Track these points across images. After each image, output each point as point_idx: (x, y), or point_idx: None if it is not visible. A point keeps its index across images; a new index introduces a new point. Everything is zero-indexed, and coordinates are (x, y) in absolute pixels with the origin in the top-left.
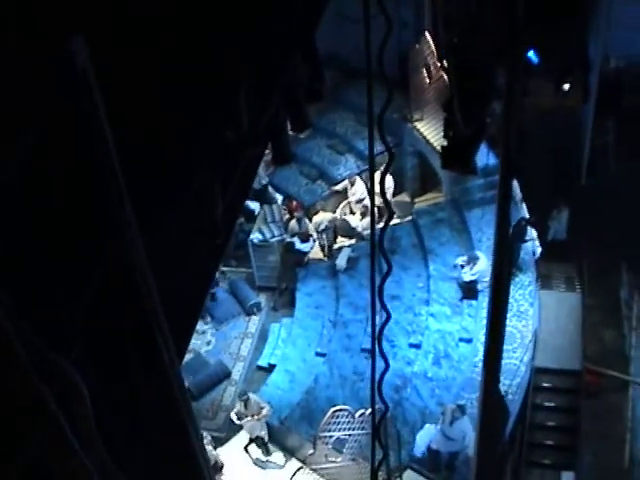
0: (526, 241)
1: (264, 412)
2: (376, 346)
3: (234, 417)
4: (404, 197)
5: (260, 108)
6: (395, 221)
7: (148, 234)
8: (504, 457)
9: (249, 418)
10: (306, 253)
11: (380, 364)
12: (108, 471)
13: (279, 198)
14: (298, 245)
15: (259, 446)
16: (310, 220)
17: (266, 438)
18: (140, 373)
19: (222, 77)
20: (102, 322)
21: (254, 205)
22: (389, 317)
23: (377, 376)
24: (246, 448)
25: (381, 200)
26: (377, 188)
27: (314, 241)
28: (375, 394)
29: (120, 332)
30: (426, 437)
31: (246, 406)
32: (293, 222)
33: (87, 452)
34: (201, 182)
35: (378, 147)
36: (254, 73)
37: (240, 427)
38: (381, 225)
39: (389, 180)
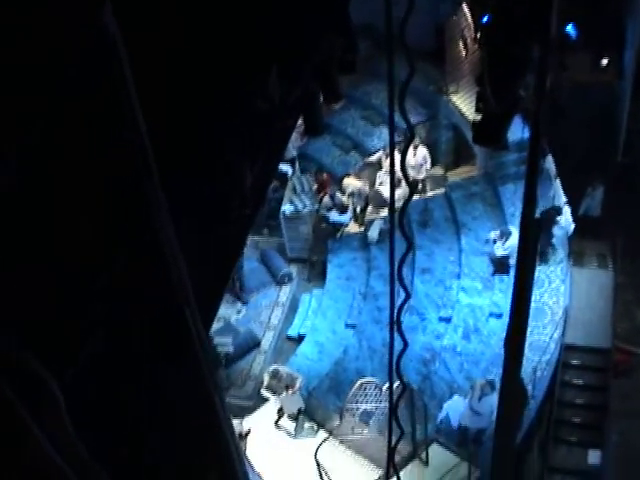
0: (552, 231)
1: (298, 384)
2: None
3: (265, 392)
4: (438, 170)
5: (292, 80)
6: (428, 194)
7: (175, 204)
8: (531, 434)
9: (284, 393)
10: (343, 224)
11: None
12: (86, 470)
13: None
14: (335, 217)
15: (291, 418)
16: (341, 189)
17: (302, 409)
18: (167, 345)
19: (254, 48)
20: (129, 295)
21: (286, 168)
22: (408, 296)
23: (396, 356)
24: (277, 423)
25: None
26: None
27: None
28: (393, 373)
29: (148, 304)
30: (453, 409)
31: (279, 380)
32: (327, 198)
33: (59, 451)
34: (230, 153)
35: (413, 119)
36: (286, 44)
37: (269, 396)
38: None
39: (425, 155)
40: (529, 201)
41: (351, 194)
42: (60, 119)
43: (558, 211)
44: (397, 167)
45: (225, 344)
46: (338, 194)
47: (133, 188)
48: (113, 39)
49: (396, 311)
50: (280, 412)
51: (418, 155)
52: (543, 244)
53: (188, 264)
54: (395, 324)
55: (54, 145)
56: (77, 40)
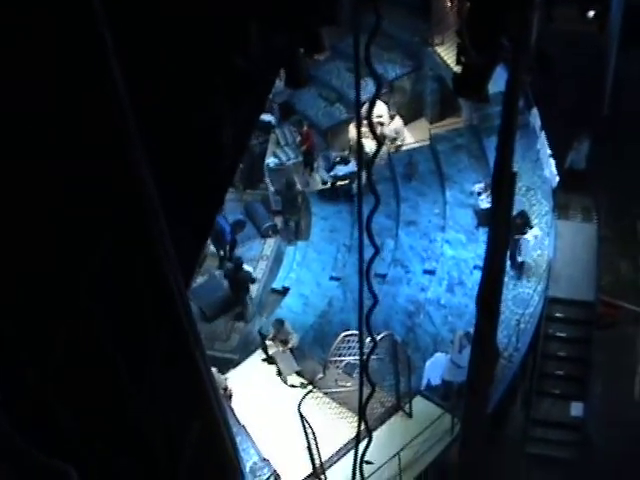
0: (524, 234)
1: (290, 343)
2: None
3: (269, 347)
4: (423, 122)
5: (273, 32)
6: (413, 146)
7: (154, 158)
8: (514, 387)
9: (280, 349)
10: (353, 172)
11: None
12: None
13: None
14: (343, 170)
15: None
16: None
17: (289, 369)
18: (147, 299)
19: (232, 2)
20: (109, 246)
21: (269, 117)
22: (377, 252)
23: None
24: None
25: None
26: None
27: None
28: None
29: (127, 257)
30: (435, 368)
31: (278, 331)
32: (321, 161)
33: None
34: (209, 104)
35: (398, 70)
36: (267, 7)
37: (254, 349)
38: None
39: (399, 127)
40: (504, 153)
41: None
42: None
43: (526, 220)
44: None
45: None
46: (332, 153)
47: (111, 142)
48: None
49: (366, 265)
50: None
51: (392, 126)
52: (513, 249)
53: (167, 216)
54: (365, 279)
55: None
56: None
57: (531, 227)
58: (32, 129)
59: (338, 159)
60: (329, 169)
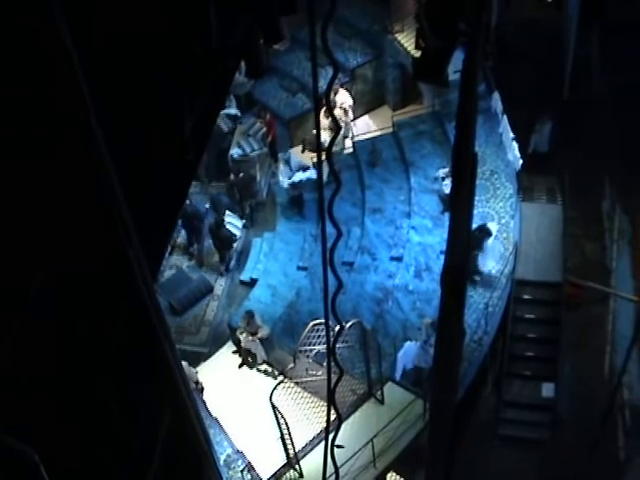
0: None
1: (260, 333)
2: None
3: (240, 337)
4: (385, 109)
5: (231, 21)
6: (376, 133)
7: (116, 150)
8: (484, 369)
9: (244, 335)
10: (312, 179)
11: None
12: None
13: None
14: (303, 176)
15: (249, 365)
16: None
17: (259, 358)
18: (114, 293)
19: None
20: (73, 238)
21: (235, 111)
22: (340, 235)
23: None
24: (240, 366)
25: (340, 117)
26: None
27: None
28: (329, 313)
29: (91, 249)
30: (406, 355)
31: (248, 323)
32: (282, 166)
33: None
34: (169, 97)
35: (359, 59)
36: None
37: (224, 342)
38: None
39: (346, 96)
40: (463, 132)
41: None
42: None
43: (487, 232)
44: (348, 103)
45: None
46: (292, 154)
47: (76, 136)
48: None
49: (329, 251)
50: (244, 355)
51: (337, 98)
52: (473, 265)
53: (132, 209)
54: (328, 264)
55: None
56: None
57: (490, 235)
58: None
59: (298, 169)
60: (289, 177)
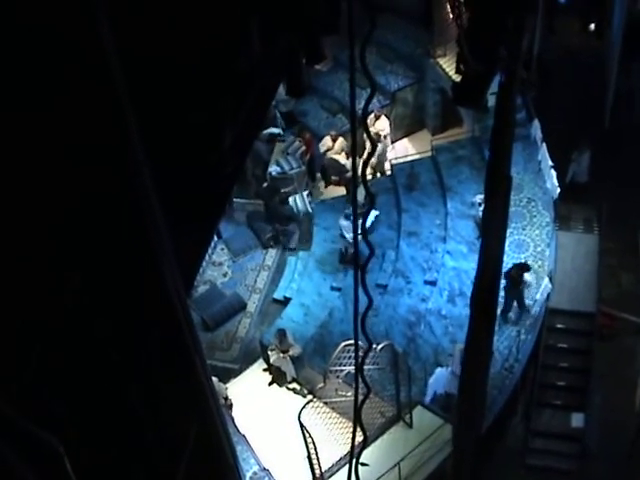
0: (521, 286)
1: (291, 352)
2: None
3: (270, 355)
4: (425, 133)
5: (273, 39)
6: (414, 157)
7: (154, 161)
8: (514, 397)
9: (276, 353)
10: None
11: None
12: None
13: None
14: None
15: (279, 383)
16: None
17: (289, 376)
18: (148, 308)
19: (235, 8)
20: (107, 255)
21: (278, 130)
22: (372, 253)
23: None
24: (270, 384)
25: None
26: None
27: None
28: (359, 332)
29: (128, 267)
30: (437, 381)
31: (280, 341)
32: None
33: None
34: (210, 110)
35: (400, 82)
36: (267, 3)
37: (254, 359)
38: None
39: (386, 124)
40: (498, 156)
41: (322, 154)
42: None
43: (526, 267)
44: (387, 130)
45: None
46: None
47: (112, 147)
48: None
49: (360, 268)
50: (274, 372)
51: (377, 125)
52: (509, 302)
53: (168, 223)
54: (360, 284)
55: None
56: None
57: (528, 270)
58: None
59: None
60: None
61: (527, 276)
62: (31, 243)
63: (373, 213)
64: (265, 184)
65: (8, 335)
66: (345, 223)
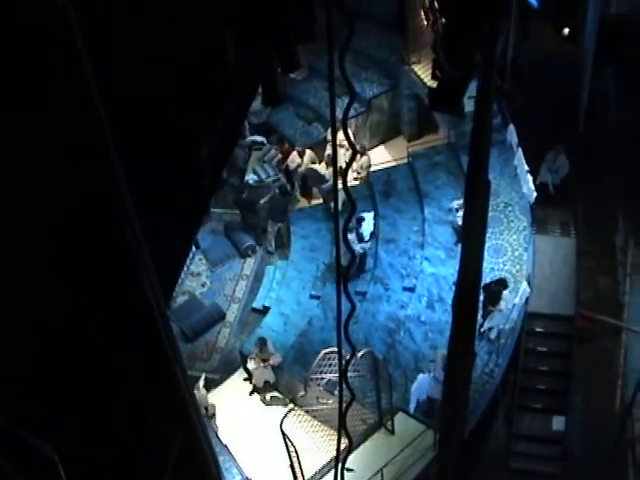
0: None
1: (271, 360)
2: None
3: (249, 362)
4: (401, 140)
5: (248, 49)
6: (391, 164)
7: (131, 173)
8: (495, 402)
9: (256, 362)
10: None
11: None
12: None
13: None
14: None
15: (259, 392)
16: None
17: (270, 385)
18: (128, 318)
19: (208, 18)
20: (85, 266)
21: (261, 138)
22: (353, 258)
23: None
24: (251, 393)
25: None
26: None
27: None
28: (342, 337)
29: (105, 275)
30: (420, 388)
31: (260, 350)
32: (295, 153)
33: None
34: (186, 122)
35: (375, 89)
36: (241, 13)
37: (235, 369)
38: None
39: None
40: (476, 161)
41: (293, 170)
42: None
43: (504, 284)
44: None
45: None
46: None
47: (90, 157)
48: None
49: (344, 272)
50: (255, 382)
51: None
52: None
53: (147, 234)
54: (343, 288)
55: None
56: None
57: (506, 287)
58: None
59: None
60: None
61: (505, 293)
62: (10, 254)
63: (370, 215)
64: (243, 193)
65: None
66: (350, 236)
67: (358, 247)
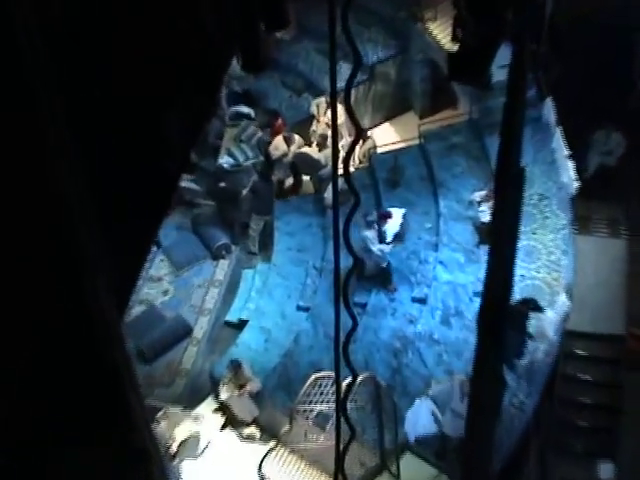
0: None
1: (249, 387)
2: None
3: (222, 391)
4: (411, 116)
5: (226, 3)
6: (398, 146)
7: (89, 155)
8: (526, 440)
9: (230, 389)
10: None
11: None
12: None
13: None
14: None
15: (234, 426)
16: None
17: (248, 418)
18: (70, 332)
19: None
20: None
21: (247, 109)
22: (356, 264)
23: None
24: (223, 428)
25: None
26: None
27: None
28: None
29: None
30: (416, 417)
31: (235, 374)
32: (279, 138)
33: None
34: (146, 92)
35: (380, 53)
36: None
37: (204, 397)
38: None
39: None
40: (507, 148)
41: (278, 159)
42: None
43: (533, 305)
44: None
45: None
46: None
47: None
48: None
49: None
50: (227, 414)
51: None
52: (512, 347)
53: (99, 228)
54: (342, 298)
55: None
56: None
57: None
58: None
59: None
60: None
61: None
62: None
63: (399, 212)
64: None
65: None
66: (369, 233)
67: (375, 248)
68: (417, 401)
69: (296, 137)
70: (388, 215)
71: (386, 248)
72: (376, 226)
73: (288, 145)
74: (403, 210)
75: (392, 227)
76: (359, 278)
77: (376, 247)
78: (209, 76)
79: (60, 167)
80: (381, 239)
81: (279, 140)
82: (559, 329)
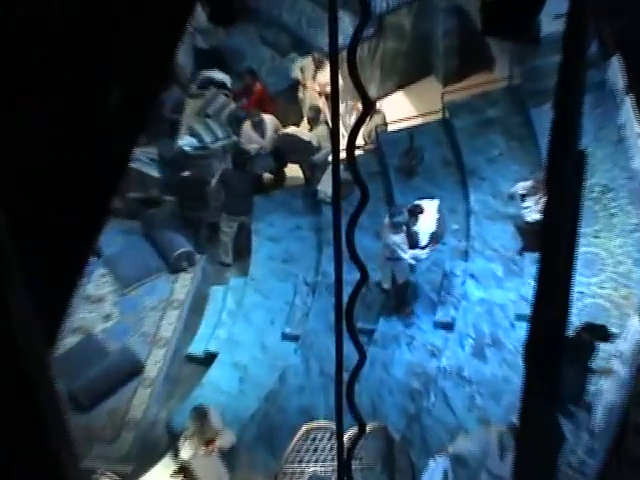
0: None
1: (218, 443)
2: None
3: (183, 448)
4: (432, 82)
5: None
6: (415, 121)
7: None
8: None
9: (194, 446)
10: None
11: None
12: None
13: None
14: (409, 255)
15: None
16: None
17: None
18: None
19: None
20: None
21: (222, 76)
22: (365, 277)
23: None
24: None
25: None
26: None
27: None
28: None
29: None
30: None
31: (201, 425)
32: (247, 126)
33: None
34: (83, 50)
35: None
36: None
37: (159, 456)
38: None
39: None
40: (563, 123)
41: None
42: None
43: (601, 333)
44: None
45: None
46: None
47: None
48: None
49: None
50: (189, 479)
51: (320, 77)
52: (570, 389)
53: (17, 230)
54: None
55: None
56: None
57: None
58: None
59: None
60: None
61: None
62: None
63: (433, 204)
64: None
65: None
66: (397, 238)
67: (408, 256)
68: (431, 462)
69: (268, 118)
70: (419, 210)
71: (422, 254)
72: (405, 227)
73: (262, 132)
74: (437, 201)
75: (426, 225)
76: (364, 298)
77: (408, 254)
78: (165, 34)
79: None
80: (411, 243)
81: (247, 127)
82: (631, 363)
